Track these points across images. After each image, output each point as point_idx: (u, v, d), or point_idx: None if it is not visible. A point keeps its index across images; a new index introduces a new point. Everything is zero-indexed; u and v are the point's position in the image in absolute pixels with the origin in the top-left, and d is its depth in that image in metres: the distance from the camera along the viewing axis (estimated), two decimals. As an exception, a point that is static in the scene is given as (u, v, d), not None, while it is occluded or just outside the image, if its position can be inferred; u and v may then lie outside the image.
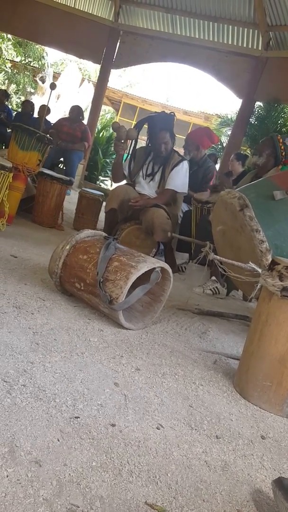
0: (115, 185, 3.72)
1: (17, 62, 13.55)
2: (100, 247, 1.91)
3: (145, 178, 3.18)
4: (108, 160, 7.84)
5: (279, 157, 2.81)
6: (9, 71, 13.53)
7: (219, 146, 7.05)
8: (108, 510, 0.86)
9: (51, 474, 0.91)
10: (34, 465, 0.91)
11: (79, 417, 1.12)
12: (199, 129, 4.21)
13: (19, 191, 3.08)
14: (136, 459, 1.03)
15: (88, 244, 1.96)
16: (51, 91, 4.40)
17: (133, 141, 3.18)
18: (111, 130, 7.93)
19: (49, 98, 4.70)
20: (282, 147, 2.81)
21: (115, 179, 3.43)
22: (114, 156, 3.84)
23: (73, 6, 6.80)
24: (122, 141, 3.04)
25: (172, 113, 3.14)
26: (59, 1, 6.78)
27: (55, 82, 4.84)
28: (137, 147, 3.27)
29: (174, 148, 3.22)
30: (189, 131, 8.08)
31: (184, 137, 4.06)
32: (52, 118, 6.32)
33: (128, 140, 3.11)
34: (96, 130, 7.63)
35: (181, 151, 3.66)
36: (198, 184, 3.69)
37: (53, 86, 4.36)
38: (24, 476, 0.88)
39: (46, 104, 5.23)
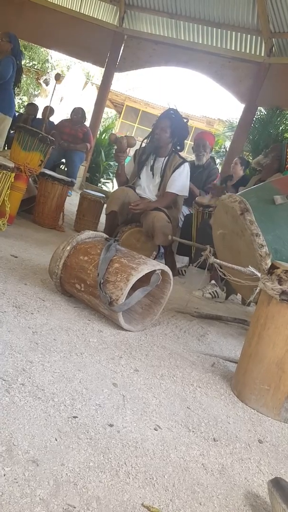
0: (116, 187, 3.73)
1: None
2: (101, 248, 1.91)
3: (151, 170, 3.16)
4: (111, 163, 7.85)
5: (283, 162, 2.83)
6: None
7: (222, 150, 7.07)
8: (105, 511, 0.86)
9: (48, 474, 0.90)
10: (31, 464, 0.91)
11: (77, 417, 1.12)
12: (202, 131, 4.26)
13: (20, 191, 3.09)
14: (133, 460, 1.03)
15: (89, 245, 1.96)
16: (55, 83, 4.38)
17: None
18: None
19: (53, 91, 4.66)
20: None
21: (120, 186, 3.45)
22: (114, 158, 3.85)
23: (78, 10, 6.84)
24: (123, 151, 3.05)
25: (186, 118, 3.16)
26: (65, 6, 6.83)
27: (59, 73, 4.86)
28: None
29: (180, 153, 3.22)
30: (190, 135, 8.11)
31: (187, 141, 4.09)
32: (55, 119, 6.34)
33: (129, 148, 3.12)
34: (99, 132, 7.65)
35: (190, 158, 3.68)
36: (201, 186, 3.71)
37: (58, 77, 4.36)
38: (21, 475, 0.88)
39: (49, 103, 5.25)
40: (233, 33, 6.04)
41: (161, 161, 3.15)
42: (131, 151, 3.54)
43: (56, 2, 6.77)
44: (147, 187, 3.19)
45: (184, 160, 3.16)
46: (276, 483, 0.97)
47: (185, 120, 3.14)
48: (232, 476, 1.10)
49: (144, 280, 1.86)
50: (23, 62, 4.41)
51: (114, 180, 7.61)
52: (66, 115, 7.13)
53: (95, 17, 6.84)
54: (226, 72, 6.14)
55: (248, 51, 6.08)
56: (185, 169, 3.13)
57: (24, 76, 13.59)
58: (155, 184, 3.17)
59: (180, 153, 3.23)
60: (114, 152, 3.22)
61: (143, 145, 3.23)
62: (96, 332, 1.73)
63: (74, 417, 1.12)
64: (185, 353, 1.81)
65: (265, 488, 1.09)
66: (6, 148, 4.74)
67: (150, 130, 3.22)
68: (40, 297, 1.88)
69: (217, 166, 4.03)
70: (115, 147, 3.14)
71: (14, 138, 3.12)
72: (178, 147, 3.19)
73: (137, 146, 3.29)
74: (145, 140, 3.22)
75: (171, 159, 3.13)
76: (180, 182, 3.11)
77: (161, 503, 0.93)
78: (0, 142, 4.25)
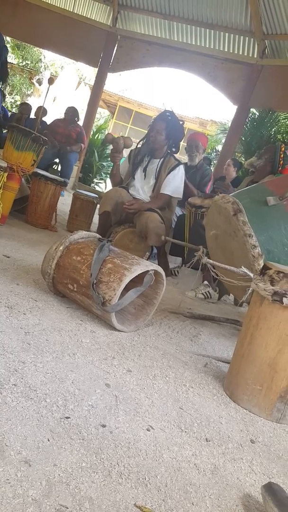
0: (109, 187, 3.73)
1: (14, 64, 13.56)
2: (94, 248, 1.91)
3: (145, 172, 3.16)
4: (104, 163, 7.84)
5: (277, 164, 2.84)
6: (6, 72, 13.52)
7: (214, 153, 7.10)
8: None
9: (41, 474, 0.90)
10: (24, 465, 0.91)
11: (69, 418, 1.12)
12: (195, 132, 4.28)
13: (13, 191, 3.07)
14: (126, 460, 1.03)
15: (81, 245, 1.96)
16: (48, 86, 4.33)
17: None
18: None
19: (47, 93, 4.58)
20: (282, 156, 2.84)
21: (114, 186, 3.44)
22: (109, 158, 3.84)
23: (71, 10, 6.83)
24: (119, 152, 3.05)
25: (182, 121, 3.16)
26: (58, 5, 6.82)
27: (52, 77, 4.71)
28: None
29: (174, 154, 3.23)
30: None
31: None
32: (49, 120, 6.33)
33: (125, 149, 3.12)
34: (92, 132, 7.64)
35: (184, 159, 3.68)
36: (195, 187, 3.72)
37: (51, 81, 4.30)
38: (13, 475, 0.87)
39: (42, 104, 5.21)
40: (226, 34, 6.08)
41: (156, 162, 3.15)
42: (126, 152, 3.54)
43: (49, 2, 6.76)
44: (141, 188, 3.19)
45: (179, 162, 3.16)
46: (268, 488, 0.98)
47: (180, 122, 3.15)
48: (224, 476, 1.11)
49: (137, 281, 1.86)
50: (16, 62, 4.37)
51: (107, 180, 7.59)
52: (59, 115, 7.10)
53: (89, 17, 6.84)
54: (219, 73, 6.17)
55: (241, 53, 6.12)
56: (180, 171, 3.14)
57: (17, 75, 13.54)
58: (149, 186, 3.17)
59: (174, 154, 3.24)
60: (110, 152, 3.21)
61: (139, 145, 3.23)
62: (88, 333, 1.72)
63: (66, 417, 1.11)
64: (178, 354, 1.82)
65: (257, 488, 1.09)
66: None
67: (143, 130, 3.24)
68: (32, 298, 1.88)
69: (211, 168, 4.03)
70: (110, 147, 3.14)
71: (7, 138, 3.10)
72: (174, 149, 3.20)
73: (132, 147, 3.29)
74: (141, 142, 3.23)
75: (166, 161, 3.14)
76: (175, 184, 3.12)
77: (154, 503, 0.93)
78: None
